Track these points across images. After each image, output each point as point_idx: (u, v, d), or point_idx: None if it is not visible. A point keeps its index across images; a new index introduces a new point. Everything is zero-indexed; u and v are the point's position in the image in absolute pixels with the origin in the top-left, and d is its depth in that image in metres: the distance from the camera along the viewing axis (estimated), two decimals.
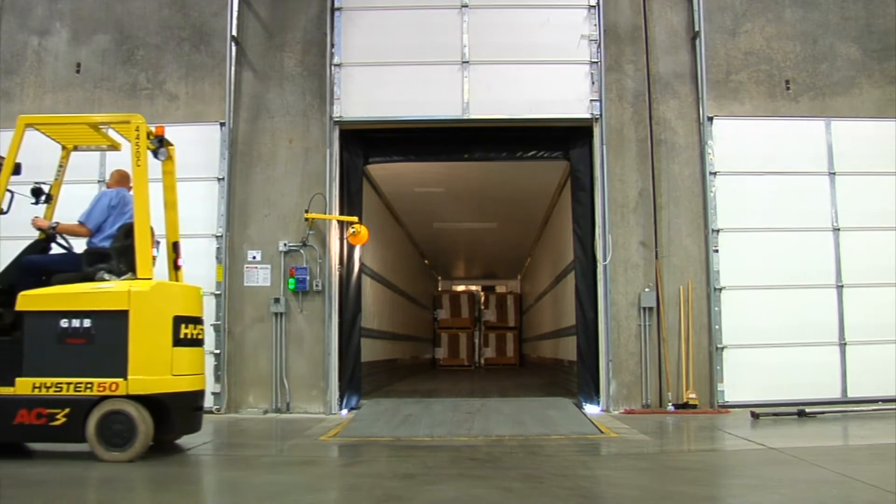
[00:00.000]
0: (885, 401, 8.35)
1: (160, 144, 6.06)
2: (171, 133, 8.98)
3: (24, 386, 5.46)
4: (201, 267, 8.85)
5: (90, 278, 5.72)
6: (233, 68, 9.10)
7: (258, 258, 8.96)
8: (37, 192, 6.18)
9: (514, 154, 9.67)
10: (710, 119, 9.05)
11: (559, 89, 9.02)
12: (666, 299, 8.86)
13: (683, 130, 9.14)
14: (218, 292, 8.81)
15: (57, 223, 6.17)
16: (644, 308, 8.82)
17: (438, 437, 6.80)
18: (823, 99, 9.17)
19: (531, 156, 9.61)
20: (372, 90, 9.05)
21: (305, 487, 4.95)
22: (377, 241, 12.08)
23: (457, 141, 9.46)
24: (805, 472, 5.12)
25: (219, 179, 8.99)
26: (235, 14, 9.19)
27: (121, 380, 5.42)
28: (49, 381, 5.45)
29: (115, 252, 5.89)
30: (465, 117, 8.97)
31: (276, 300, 8.84)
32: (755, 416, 7.76)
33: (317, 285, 8.87)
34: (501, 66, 9.07)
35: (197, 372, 5.93)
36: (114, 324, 5.47)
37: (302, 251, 8.94)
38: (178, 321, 5.70)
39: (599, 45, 9.02)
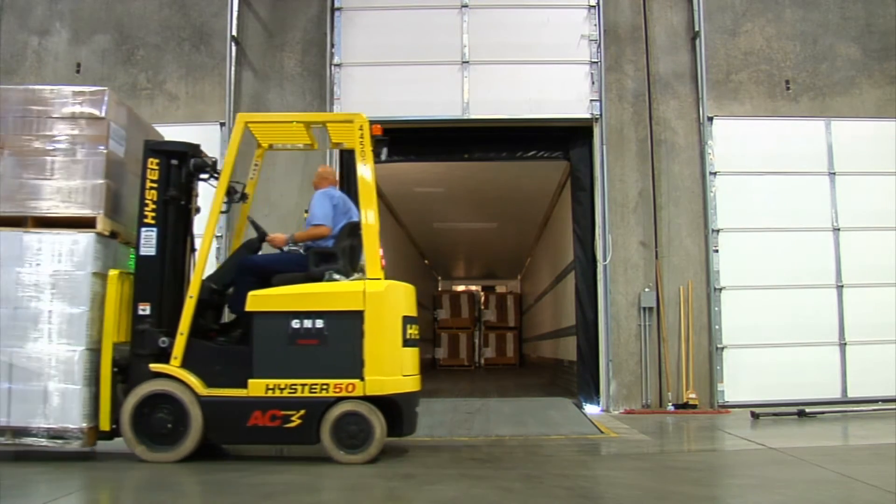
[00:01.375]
0: (885, 401, 8.35)
1: (379, 144, 5.95)
2: (171, 133, 9.03)
3: (256, 388, 5.34)
4: None
5: (317, 278, 5.60)
6: (233, 68, 9.10)
7: None
8: (230, 192, 6.04)
9: (514, 154, 9.66)
10: (710, 119, 9.05)
11: (559, 89, 9.02)
12: (666, 299, 8.86)
13: (683, 130, 9.14)
14: None
15: (293, 234, 6.07)
16: (644, 308, 8.82)
17: (438, 437, 6.80)
18: (823, 99, 9.17)
19: (531, 156, 9.61)
20: (372, 90, 9.04)
21: (305, 487, 4.95)
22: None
23: (457, 141, 9.46)
24: (805, 472, 5.12)
25: None
26: (235, 14, 9.19)
27: (357, 381, 5.30)
28: (283, 382, 5.33)
29: (340, 252, 5.80)
30: (466, 117, 8.97)
31: None
32: (755, 416, 7.76)
33: None
34: (501, 66, 9.07)
35: (418, 372, 5.77)
36: (348, 324, 5.36)
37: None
38: (405, 321, 5.55)
39: (599, 45, 9.02)
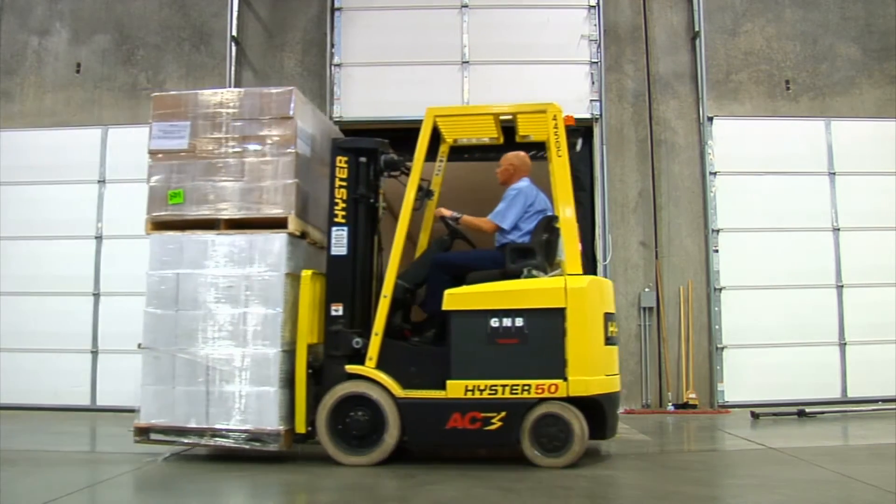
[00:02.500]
0: (885, 401, 8.35)
1: (574, 134, 5.75)
2: None
3: (455, 389, 5.19)
4: None
5: (514, 275, 5.41)
6: (233, 68, 9.10)
7: None
8: (426, 194, 5.95)
9: None
10: (710, 119, 9.05)
11: (559, 89, 8.98)
12: (666, 299, 8.86)
13: (683, 130, 9.14)
14: None
15: (461, 215, 5.88)
16: (644, 308, 8.82)
17: None
18: (823, 99, 9.17)
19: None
20: (372, 90, 9.04)
21: (306, 487, 4.95)
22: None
23: None
24: (805, 472, 5.12)
25: None
26: (235, 14, 9.19)
27: (560, 381, 5.10)
28: (483, 383, 5.16)
29: (537, 247, 5.60)
30: None
31: None
32: (755, 416, 7.76)
33: None
34: (501, 66, 9.07)
35: (618, 372, 5.55)
36: (549, 322, 5.16)
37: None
38: (606, 318, 5.36)
39: (599, 46, 9.02)
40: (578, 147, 5.79)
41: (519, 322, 5.19)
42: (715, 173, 8.98)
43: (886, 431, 6.91)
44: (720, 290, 8.82)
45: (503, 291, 5.29)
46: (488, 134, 6.30)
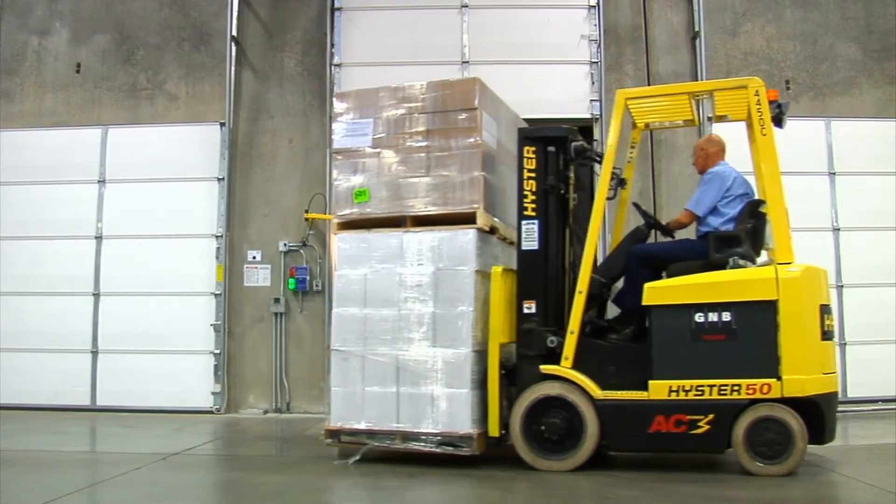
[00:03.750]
0: (884, 401, 8.34)
1: (779, 110, 5.34)
2: (171, 133, 9.15)
3: (658, 390, 4.90)
4: (201, 267, 8.88)
5: (719, 265, 5.08)
6: (233, 68, 9.09)
7: (258, 258, 8.96)
8: (618, 183, 5.75)
9: None
10: (710, 119, 9.02)
11: (559, 89, 9.01)
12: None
13: (683, 130, 9.12)
14: (218, 292, 8.80)
15: (662, 222, 5.70)
16: None
17: None
18: (823, 99, 9.16)
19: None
20: None
21: (305, 487, 4.95)
22: None
23: None
24: (804, 471, 5.12)
25: (219, 179, 8.98)
26: (235, 14, 9.18)
27: (773, 380, 4.75)
28: (688, 383, 4.84)
29: (743, 235, 5.25)
30: None
31: (277, 300, 8.84)
32: None
33: (317, 285, 8.86)
34: (501, 66, 9.05)
35: (836, 370, 5.15)
36: (760, 316, 4.81)
37: (302, 251, 8.94)
38: (822, 310, 4.96)
39: (599, 46, 9.02)
40: (784, 125, 5.38)
41: (726, 317, 4.87)
42: None
43: (886, 431, 6.92)
44: None
45: (708, 284, 4.97)
46: (683, 116, 6.03)
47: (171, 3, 9.40)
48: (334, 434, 5.42)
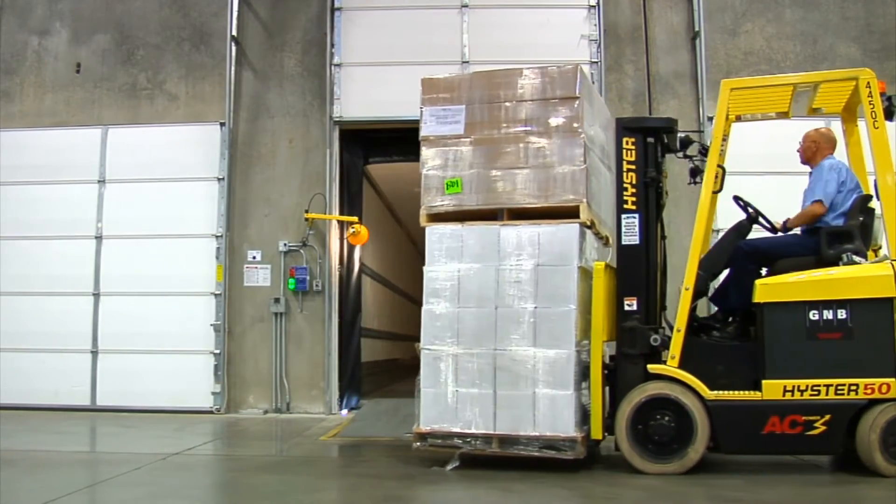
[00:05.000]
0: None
1: (889, 103, 5.12)
2: (171, 133, 9.15)
3: (772, 390, 4.78)
4: (201, 267, 8.88)
5: (831, 262, 4.94)
6: (233, 68, 9.09)
7: (258, 258, 8.96)
8: (694, 173, 5.68)
9: None
10: (710, 119, 9.03)
11: None
12: (666, 299, 8.82)
13: (683, 130, 9.13)
14: (218, 292, 8.81)
15: (787, 219, 5.48)
16: None
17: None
18: None
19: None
20: (372, 90, 9.03)
21: (305, 487, 4.95)
22: (377, 241, 12.09)
23: None
24: (804, 471, 5.12)
25: (219, 179, 8.99)
26: (235, 14, 9.18)
27: (892, 380, 4.63)
28: (804, 383, 4.71)
29: (855, 230, 5.10)
30: None
31: (276, 300, 8.84)
32: None
33: (317, 285, 8.86)
34: (501, 66, 9.02)
35: None
36: (877, 314, 4.69)
37: (302, 251, 8.94)
38: None
39: (599, 45, 9.01)
40: (895, 117, 5.15)
41: (842, 314, 4.74)
42: None
43: None
44: None
45: (823, 280, 4.82)
46: (779, 108, 5.87)
47: (171, 3, 9.40)
48: (423, 437, 5.14)
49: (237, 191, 9.06)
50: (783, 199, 8.92)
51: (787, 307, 4.85)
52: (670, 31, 9.27)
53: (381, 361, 13.26)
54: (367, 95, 9.02)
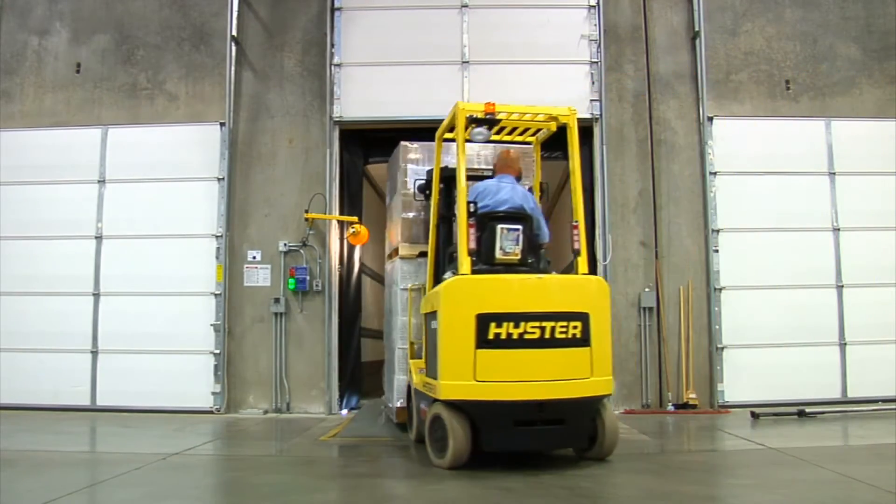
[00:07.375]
0: (885, 401, 8.34)
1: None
2: (171, 133, 9.16)
3: None
4: (201, 267, 8.88)
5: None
6: (233, 68, 9.10)
7: (258, 258, 8.96)
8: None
9: None
10: (710, 119, 9.05)
11: (559, 89, 9.01)
12: (666, 299, 8.86)
13: (683, 130, 9.14)
14: (218, 292, 8.81)
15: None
16: (644, 308, 8.82)
17: None
18: (823, 99, 9.17)
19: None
20: (372, 90, 9.04)
21: (305, 487, 4.95)
22: (377, 241, 12.09)
23: None
24: (805, 472, 5.12)
25: (219, 179, 8.99)
26: (235, 14, 9.19)
27: None
28: None
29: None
30: None
31: (276, 300, 8.84)
32: (755, 416, 7.76)
33: (317, 285, 8.87)
34: (501, 66, 9.07)
35: None
36: None
37: (302, 251, 8.94)
38: None
39: (599, 45, 9.02)
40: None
41: None
42: (715, 173, 8.98)
43: (886, 431, 6.91)
44: (720, 290, 8.82)
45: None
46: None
47: (171, 3, 9.40)
48: None
49: (237, 191, 9.07)
50: (783, 198, 9.01)
51: None
52: (670, 31, 9.27)
53: (381, 361, 13.23)
54: (367, 95, 9.03)
